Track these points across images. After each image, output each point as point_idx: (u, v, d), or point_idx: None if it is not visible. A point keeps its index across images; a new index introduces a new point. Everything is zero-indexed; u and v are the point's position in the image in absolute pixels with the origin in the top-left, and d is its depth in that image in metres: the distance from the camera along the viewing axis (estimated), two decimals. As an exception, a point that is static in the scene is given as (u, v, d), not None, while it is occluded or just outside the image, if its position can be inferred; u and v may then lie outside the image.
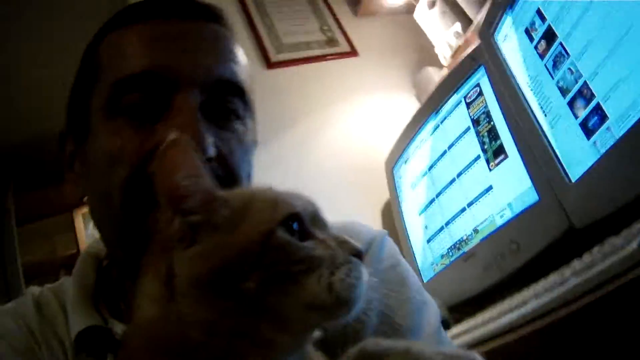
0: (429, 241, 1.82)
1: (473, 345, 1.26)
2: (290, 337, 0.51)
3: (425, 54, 2.34)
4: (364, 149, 2.29)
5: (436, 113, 1.80)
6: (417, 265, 1.87)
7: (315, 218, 0.56)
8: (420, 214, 1.89)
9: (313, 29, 2.46)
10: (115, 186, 0.74)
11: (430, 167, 1.83)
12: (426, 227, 1.84)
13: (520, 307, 1.13)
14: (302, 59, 2.41)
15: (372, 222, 2.17)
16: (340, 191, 2.21)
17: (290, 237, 0.51)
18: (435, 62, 2.22)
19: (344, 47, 2.45)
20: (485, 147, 1.56)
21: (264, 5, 2.47)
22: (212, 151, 0.73)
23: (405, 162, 2.01)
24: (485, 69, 1.55)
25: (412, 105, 2.02)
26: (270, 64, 2.36)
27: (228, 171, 0.77)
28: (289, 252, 0.51)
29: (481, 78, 1.57)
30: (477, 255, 1.54)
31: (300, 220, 0.54)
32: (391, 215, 2.11)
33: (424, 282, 1.81)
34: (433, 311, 0.81)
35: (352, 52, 2.45)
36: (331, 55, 2.44)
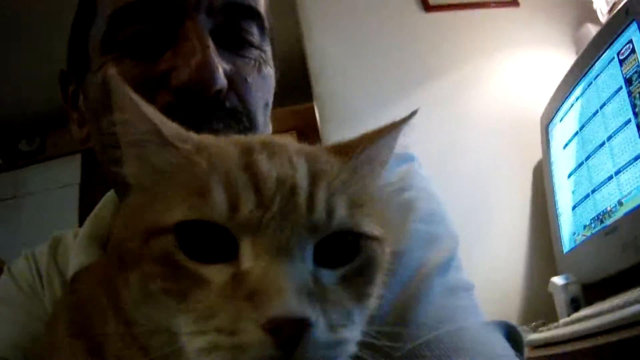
0: (574, 208, 1.68)
1: (597, 333, 1.16)
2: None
3: (586, 9, 2.10)
4: (518, 104, 2.15)
5: (589, 70, 1.62)
6: (560, 233, 1.74)
7: (282, 235, 0.36)
8: (569, 177, 1.74)
9: (475, -26, 2.32)
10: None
11: (582, 127, 1.66)
12: (573, 192, 1.70)
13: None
14: (461, 4, 2.30)
15: (522, 180, 2.06)
16: (492, 146, 2.13)
17: (179, 253, 0.37)
18: (596, 20, 1.98)
19: (505, -5, 2.27)
20: (637, 110, 1.38)
21: (424, -56, 2.37)
22: (222, 82, 0.66)
23: (560, 120, 1.85)
24: (637, 24, 1.35)
25: (570, 63, 1.84)
26: (428, 7, 2.31)
27: (242, 100, 0.70)
28: (171, 269, 0.37)
29: (634, 33, 1.38)
30: (618, 230, 1.40)
31: (215, 229, 0.36)
32: (542, 176, 1.97)
33: (564, 252, 1.69)
34: (441, 250, 0.62)
35: (513, 2, 2.28)
36: (492, 3, 2.29)
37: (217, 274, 0.36)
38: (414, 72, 2.22)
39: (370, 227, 0.40)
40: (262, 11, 0.75)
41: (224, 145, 0.40)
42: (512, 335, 0.58)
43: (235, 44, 0.72)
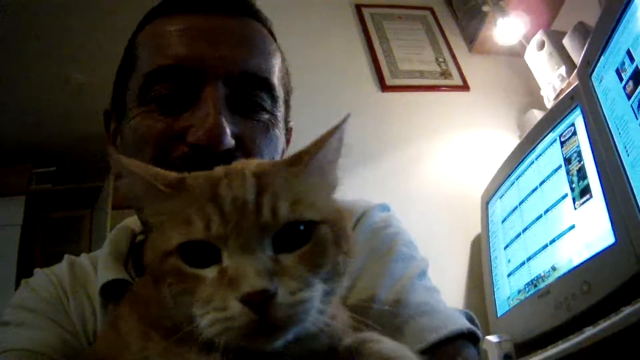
0: (509, 275, 1.81)
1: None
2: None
3: (532, 97, 2.36)
4: (462, 181, 2.32)
5: (533, 150, 1.80)
6: (495, 299, 1.86)
7: (242, 238, 0.50)
8: (505, 248, 1.88)
9: (429, 60, 2.55)
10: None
11: (521, 202, 1.83)
12: (509, 261, 1.83)
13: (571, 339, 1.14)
14: (415, 86, 2.51)
15: (461, 253, 2.18)
16: (435, 219, 2.24)
17: (182, 264, 0.51)
18: (542, 106, 2.22)
19: (457, 80, 2.50)
20: (574, 185, 1.54)
21: (384, 31, 2.61)
22: (229, 143, 0.77)
23: (500, 197, 2.02)
24: (581, 108, 1.54)
25: (514, 146, 2.05)
26: (385, 87, 2.49)
27: (249, 157, 0.79)
28: (181, 277, 0.51)
29: (576, 117, 1.57)
30: (551, 293, 1.52)
31: (202, 244, 0.50)
32: (480, 248, 2.11)
33: (498, 317, 1.80)
34: (418, 264, 0.83)
35: (464, 87, 2.51)
36: (444, 87, 2.51)
37: (209, 273, 0.50)
38: (367, 147, 2.35)
39: (314, 214, 0.53)
40: (274, 82, 0.88)
41: (200, 181, 0.54)
42: (471, 320, 0.76)
43: (247, 109, 0.84)
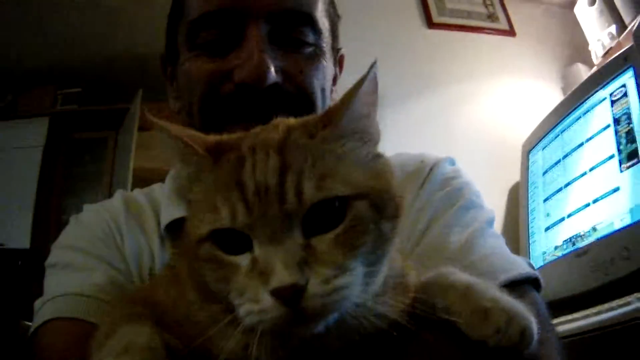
0: (547, 229, 1.82)
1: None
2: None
3: (578, 50, 2.29)
4: (502, 127, 2.30)
5: (581, 104, 1.76)
6: (529, 251, 1.88)
7: (268, 228, 0.48)
8: (545, 201, 1.88)
9: (477, 1, 2.46)
10: (195, 102, 0.85)
11: (565, 156, 1.81)
12: (548, 214, 1.84)
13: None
14: (462, 26, 2.45)
15: (497, 199, 2.19)
16: (473, 162, 2.21)
17: (217, 251, 0.50)
18: (586, 61, 2.17)
19: (503, 25, 2.44)
20: (621, 147, 1.52)
21: (433, -33, 2.51)
22: (273, 78, 0.81)
23: (543, 148, 2.00)
24: (634, 70, 1.50)
25: (556, 97, 2.01)
26: (431, 24, 2.44)
27: (299, 88, 0.85)
28: (217, 264, 0.51)
29: (629, 79, 1.53)
30: (590, 253, 1.54)
31: (233, 231, 0.49)
32: (517, 196, 2.11)
33: (533, 268, 1.82)
34: (483, 213, 0.85)
35: (510, 32, 2.44)
36: (490, 29, 2.44)
37: (243, 260, 0.49)
38: (411, 83, 2.34)
39: (346, 189, 0.49)
40: (316, 15, 0.89)
41: (229, 156, 0.52)
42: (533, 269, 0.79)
43: (291, 45, 0.86)
